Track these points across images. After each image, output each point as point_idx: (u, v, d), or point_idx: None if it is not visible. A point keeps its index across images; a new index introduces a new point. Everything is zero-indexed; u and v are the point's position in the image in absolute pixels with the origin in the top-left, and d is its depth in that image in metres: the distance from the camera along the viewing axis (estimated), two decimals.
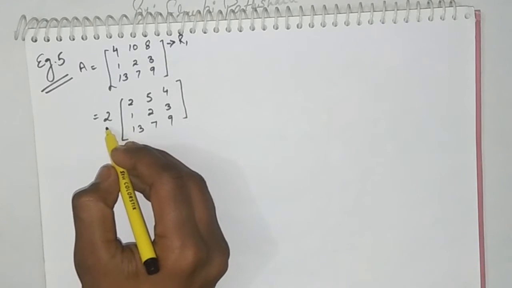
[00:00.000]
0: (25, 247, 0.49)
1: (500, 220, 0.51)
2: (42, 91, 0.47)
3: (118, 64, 0.47)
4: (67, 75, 0.47)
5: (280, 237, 0.49)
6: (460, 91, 0.49)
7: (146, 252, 0.41)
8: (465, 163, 0.50)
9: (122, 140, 0.48)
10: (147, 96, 0.48)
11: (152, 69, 0.48)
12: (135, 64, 0.47)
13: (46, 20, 0.47)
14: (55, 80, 0.47)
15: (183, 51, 0.48)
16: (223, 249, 0.44)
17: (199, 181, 0.44)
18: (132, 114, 0.48)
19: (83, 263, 0.42)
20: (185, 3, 0.48)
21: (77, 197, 0.43)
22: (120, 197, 0.44)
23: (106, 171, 0.45)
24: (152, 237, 0.42)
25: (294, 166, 0.49)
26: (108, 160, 0.46)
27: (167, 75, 0.48)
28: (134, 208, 0.43)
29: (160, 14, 0.48)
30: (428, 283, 0.50)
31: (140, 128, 0.48)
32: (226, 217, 0.46)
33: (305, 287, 0.50)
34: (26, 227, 0.49)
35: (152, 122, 0.48)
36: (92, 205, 0.42)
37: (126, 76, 0.48)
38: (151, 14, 0.48)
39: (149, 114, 0.48)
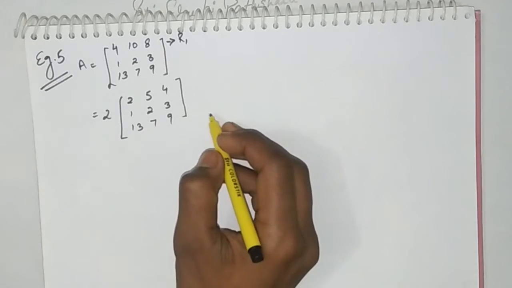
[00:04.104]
0: (24, 246, 0.49)
1: (499, 220, 0.51)
2: (42, 88, 0.47)
3: (118, 62, 0.47)
4: (66, 72, 0.47)
5: None
6: (460, 91, 0.49)
7: (252, 240, 0.41)
8: (464, 163, 0.50)
9: (121, 138, 0.48)
10: (147, 94, 0.48)
11: (152, 67, 0.48)
12: (135, 62, 0.47)
13: (46, 18, 0.47)
14: (54, 77, 0.47)
15: (182, 50, 0.48)
16: (316, 241, 0.44)
17: (304, 171, 0.44)
18: (131, 112, 0.48)
19: (186, 246, 0.42)
20: (185, 3, 0.48)
21: (190, 181, 0.42)
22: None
23: (214, 157, 0.45)
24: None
25: None
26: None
27: (166, 74, 0.48)
28: (238, 195, 0.43)
29: (160, 12, 0.48)
30: (427, 283, 0.50)
31: (140, 126, 0.48)
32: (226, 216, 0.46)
33: (305, 287, 0.50)
34: (25, 224, 0.49)
35: (151, 120, 0.48)
36: (204, 192, 0.42)
37: (125, 74, 0.48)
38: (151, 12, 0.48)
39: (149, 112, 0.48)
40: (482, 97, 0.49)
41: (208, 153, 0.45)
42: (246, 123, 0.48)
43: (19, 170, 0.48)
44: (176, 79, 0.48)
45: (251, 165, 0.44)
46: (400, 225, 0.50)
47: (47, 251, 0.49)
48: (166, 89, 0.48)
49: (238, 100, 0.48)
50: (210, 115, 0.47)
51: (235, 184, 0.44)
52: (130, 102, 0.48)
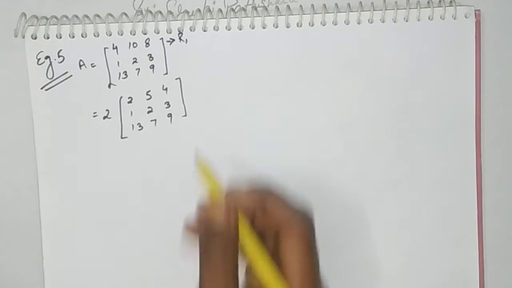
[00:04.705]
0: (24, 246, 0.49)
1: (499, 220, 0.51)
2: (42, 88, 0.47)
3: (118, 62, 0.47)
4: (66, 72, 0.47)
5: None
6: (460, 91, 0.49)
7: None
8: (464, 162, 0.50)
9: (121, 138, 0.48)
10: (147, 94, 0.48)
11: (152, 67, 0.48)
12: (135, 62, 0.48)
13: (46, 18, 0.47)
14: (54, 77, 0.47)
15: (182, 49, 0.48)
16: None
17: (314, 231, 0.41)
18: (131, 112, 0.48)
19: None
20: (185, 2, 0.48)
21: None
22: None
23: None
24: None
25: (293, 165, 0.49)
26: None
27: (166, 73, 0.48)
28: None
29: (160, 12, 0.48)
30: (427, 283, 0.50)
31: (140, 126, 0.48)
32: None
33: None
34: (25, 224, 0.49)
35: (151, 120, 0.48)
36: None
37: (125, 74, 0.48)
38: (151, 12, 0.48)
39: (149, 112, 0.48)
40: (482, 97, 0.49)
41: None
42: (246, 123, 0.48)
43: (19, 170, 0.48)
44: (176, 79, 0.48)
45: (267, 224, 0.40)
46: (400, 225, 0.50)
47: (47, 251, 0.48)
48: (166, 89, 0.48)
49: (238, 100, 0.48)
50: (197, 157, 0.44)
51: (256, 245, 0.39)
52: (130, 102, 0.48)
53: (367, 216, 0.50)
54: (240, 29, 0.48)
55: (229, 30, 0.48)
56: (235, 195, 0.40)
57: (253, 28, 0.48)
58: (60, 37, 0.47)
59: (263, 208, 0.40)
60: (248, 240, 0.39)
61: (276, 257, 0.39)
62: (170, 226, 0.44)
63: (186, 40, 0.48)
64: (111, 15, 0.47)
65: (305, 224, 0.39)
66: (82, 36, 0.47)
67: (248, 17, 0.48)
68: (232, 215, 0.40)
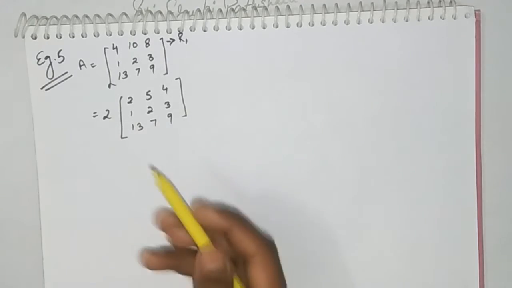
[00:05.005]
0: (24, 246, 0.49)
1: (499, 220, 0.51)
2: (42, 88, 0.47)
3: (118, 62, 0.47)
4: (66, 72, 0.47)
5: (279, 236, 0.49)
6: (460, 91, 0.49)
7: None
8: (464, 163, 0.50)
9: (121, 138, 0.48)
10: (147, 94, 0.48)
11: (152, 67, 0.48)
12: (135, 62, 0.48)
13: (46, 18, 0.47)
14: (54, 77, 0.47)
15: (183, 49, 0.48)
16: None
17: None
18: (131, 112, 0.48)
19: None
20: (185, 2, 0.48)
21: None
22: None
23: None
24: None
25: (293, 165, 0.49)
26: None
27: (166, 73, 0.48)
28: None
29: (160, 12, 0.48)
30: (427, 283, 0.50)
31: (140, 126, 0.48)
32: None
33: (304, 287, 0.50)
34: (25, 224, 0.49)
35: (151, 120, 0.48)
36: None
37: (125, 74, 0.48)
38: (151, 12, 0.48)
39: (149, 112, 0.48)
40: (482, 97, 0.49)
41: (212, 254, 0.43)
42: (246, 123, 0.48)
43: (19, 170, 0.48)
44: (176, 79, 0.48)
45: (235, 249, 0.43)
46: (400, 225, 0.50)
47: (47, 251, 0.48)
48: (166, 89, 0.48)
49: (238, 100, 0.48)
50: (154, 169, 0.47)
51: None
52: (130, 102, 0.48)
53: (367, 216, 0.50)
54: (240, 29, 0.48)
55: (229, 30, 0.48)
56: (205, 212, 0.43)
57: (253, 28, 0.48)
58: (60, 37, 0.47)
59: (230, 234, 0.43)
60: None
61: (245, 280, 0.42)
62: None
63: (186, 40, 0.48)
64: (111, 15, 0.47)
65: (268, 251, 0.42)
66: (82, 36, 0.47)
67: (248, 17, 0.48)
68: (226, 260, 0.42)
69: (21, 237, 0.49)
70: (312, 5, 0.48)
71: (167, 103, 0.48)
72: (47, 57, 0.47)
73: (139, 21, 0.47)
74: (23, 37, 0.47)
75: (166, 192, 0.44)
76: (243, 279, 0.43)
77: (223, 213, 0.44)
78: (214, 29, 0.48)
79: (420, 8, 0.48)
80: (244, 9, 0.48)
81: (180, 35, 0.48)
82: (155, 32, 0.47)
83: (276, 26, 0.48)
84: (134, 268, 0.49)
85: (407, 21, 0.48)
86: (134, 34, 0.47)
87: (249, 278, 0.42)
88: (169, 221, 0.44)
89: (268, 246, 0.43)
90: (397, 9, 0.48)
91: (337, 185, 0.49)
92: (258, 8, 0.48)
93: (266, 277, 0.42)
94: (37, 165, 0.48)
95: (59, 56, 0.47)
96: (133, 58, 0.47)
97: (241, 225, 0.43)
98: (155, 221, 0.45)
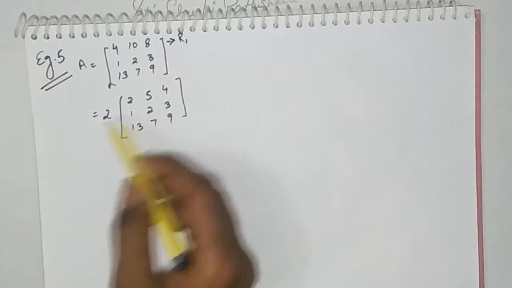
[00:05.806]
0: (24, 246, 0.49)
1: (499, 220, 0.51)
2: (42, 88, 0.47)
3: (118, 62, 0.47)
4: (66, 72, 0.47)
5: (279, 236, 0.49)
6: (460, 91, 0.49)
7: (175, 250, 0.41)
8: (464, 162, 0.50)
9: (122, 138, 0.48)
10: (147, 94, 0.48)
11: (152, 67, 0.48)
12: (135, 62, 0.48)
13: (46, 18, 0.47)
14: (54, 77, 0.47)
15: (182, 49, 0.48)
16: (253, 260, 0.44)
17: (224, 195, 0.44)
18: (131, 112, 0.48)
19: None
20: (185, 2, 0.48)
21: (124, 227, 0.42)
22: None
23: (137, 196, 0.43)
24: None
25: (293, 165, 0.49)
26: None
27: (166, 73, 0.48)
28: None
29: (160, 12, 0.48)
30: (427, 282, 0.50)
31: (140, 126, 0.48)
32: None
33: (305, 287, 0.50)
34: (25, 224, 0.49)
35: (151, 120, 0.48)
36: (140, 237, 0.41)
37: (125, 74, 0.48)
38: (151, 12, 0.48)
39: (149, 112, 0.48)
40: (482, 97, 0.49)
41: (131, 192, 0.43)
42: (246, 123, 0.48)
43: (19, 170, 0.48)
44: (176, 78, 0.48)
45: (174, 190, 0.43)
46: (400, 225, 0.50)
47: (47, 251, 0.48)
48: (166, 89, 0.48)
49: (238, 100, 0.48)
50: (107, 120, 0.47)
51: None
52: (130, 102, 0.48)
53: (367, 216, 0.50)
54: (240, 29, 0.48)
55: (229, 30, 0.48)
56: (147, 159, 0.43)
57: (253, 28, 0.48)
58: (60, 37, 0.47)
59: (170, 176, 0.42)
60: (155, 208, 0.42)
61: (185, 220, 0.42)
62: None
63: (186, 40, 0.48)
64: (111, 15, 0.47)
65: (206, 190, 0.42)
66: (82, 36, 0.47)
67: (248, 17, 0.48)
68: (138, 194, 0.42)
69: (21, 237, 0.49)
70: (312, 5, 0.48)
71: (167, 103, 0.48)
72: (47, 57, 0.47)
73: (139, 21, 0.47)
74: (23, 37, 0.47)
75: (113, 142, 0.45)
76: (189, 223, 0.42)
77: (158, 160, 0.44)
78: (214, 29, 0.48)
79: (420, 8, 0.48)
80: (244, 9, 0.48)
81: (180, 35, 0.48)
82: (155, 32, 0.47)
83: (276, 26, 0.48)
84: None
85: (407, 21, 0.48)
86: (134, 34, 0.47)
87: (190, 220, 0.41)
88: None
89: (206, 184, 0.42)
90: (397, 9, 0.48)
91: (337, 185, 0.49)
92: (258, 8, 0.48)
93: (202, 215, 0.41)
94: (37, 165, 0.48)
95: (59, 56, 0.47)
96: (133, 58, 0.47)
97: (177, 169, 0.43)
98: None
